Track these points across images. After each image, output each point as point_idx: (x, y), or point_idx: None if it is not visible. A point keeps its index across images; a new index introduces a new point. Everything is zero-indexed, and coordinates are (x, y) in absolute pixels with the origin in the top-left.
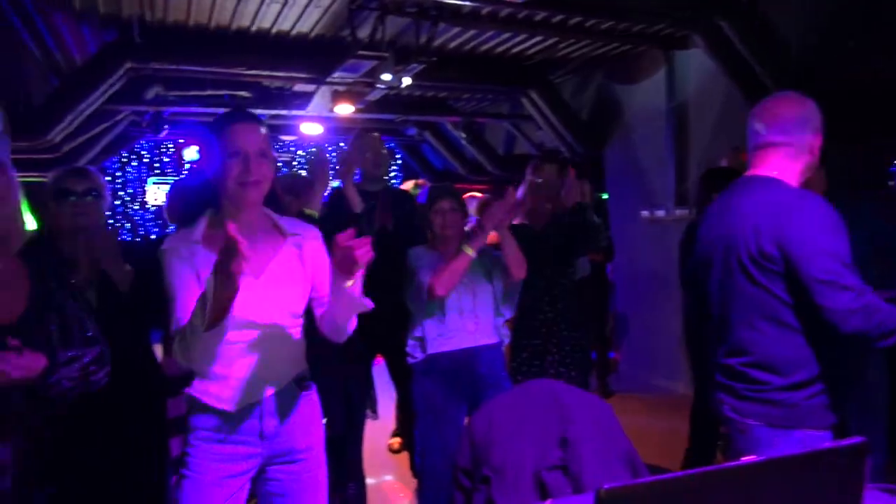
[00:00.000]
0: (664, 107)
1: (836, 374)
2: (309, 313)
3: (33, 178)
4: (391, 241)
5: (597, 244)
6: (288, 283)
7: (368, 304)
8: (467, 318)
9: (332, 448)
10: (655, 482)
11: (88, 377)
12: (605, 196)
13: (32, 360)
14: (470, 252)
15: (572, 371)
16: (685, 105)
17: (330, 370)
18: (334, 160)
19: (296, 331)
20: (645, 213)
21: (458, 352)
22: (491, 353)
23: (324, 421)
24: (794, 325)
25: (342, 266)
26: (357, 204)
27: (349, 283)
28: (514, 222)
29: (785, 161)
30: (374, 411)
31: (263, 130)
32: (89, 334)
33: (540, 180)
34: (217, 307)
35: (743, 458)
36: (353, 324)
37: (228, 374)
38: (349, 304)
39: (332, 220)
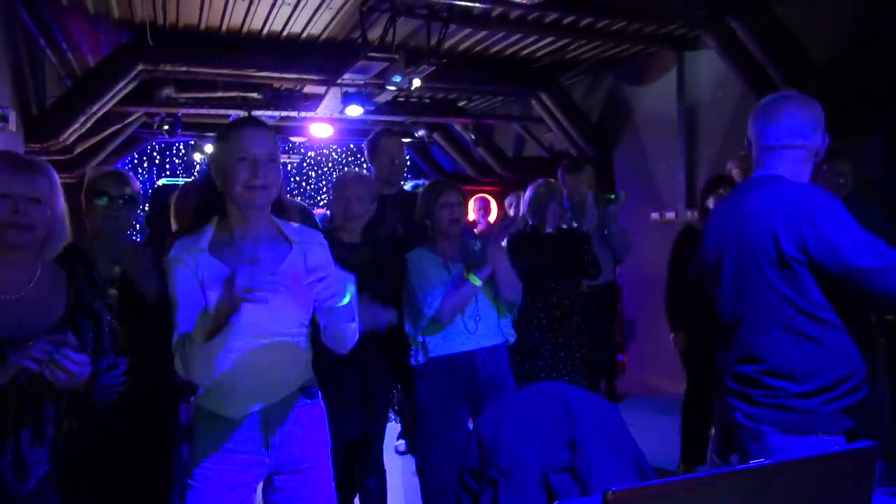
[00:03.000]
0: (675, 109)
1: (853, 381)
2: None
3: None
4: (402, 245)
5: (590, 276)
6: (294, 292)
7: (351, 316)
8: (469, 320)
9: (354, 446)
10: (663, 484)
11: (121, 385)
12: (612, 197)
13: (85, 360)
14: (477, 282)
15: (566, 377)
16: (696, 107)
17: (350, 371)
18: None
19: (301, 339)
20: (654, 216)
21: (460, 354)
22: (494, 354)
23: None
24: (811, 335)
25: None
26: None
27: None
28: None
29: (796, 163)
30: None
31: (272, 136)
32: (120, 343)
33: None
34: (217, 319)
35: (752, 462)
36: (354, 334)
37: (233, 382)
38: (343, 313)
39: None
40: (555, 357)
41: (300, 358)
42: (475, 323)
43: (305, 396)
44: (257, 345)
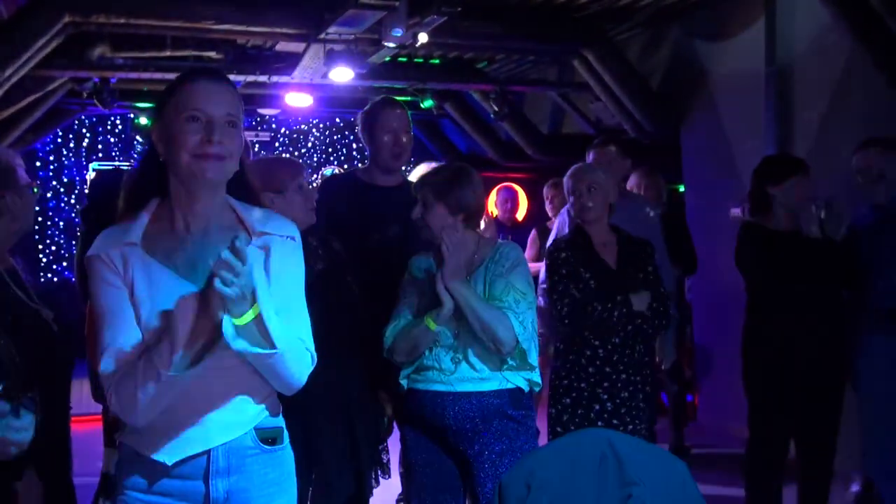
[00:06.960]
0: (762, 70)
1: None
2: None
3: None
4: (407, 252)
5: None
6: None
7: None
8: (443, 356)
9: None
10: None
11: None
12: (681, 188)
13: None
14: (432, 327)
15: (629, 424)
16: (790, 68)
17: (331, 412)
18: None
19: None
20: (736, 212)
21: (432, 393)
22: (473, 402)
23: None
24: None
25: None
26: None
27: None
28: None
29: None
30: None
31: (234, 93)
32: (26, 376)
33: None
34: (195, 338)
35: None
36: (296, 373)
37: (165, 415)
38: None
39: None
40: (616, 399)
41: (255, 386)
42: (453, 364)
43: (263, 441)
44: (197, 367)
